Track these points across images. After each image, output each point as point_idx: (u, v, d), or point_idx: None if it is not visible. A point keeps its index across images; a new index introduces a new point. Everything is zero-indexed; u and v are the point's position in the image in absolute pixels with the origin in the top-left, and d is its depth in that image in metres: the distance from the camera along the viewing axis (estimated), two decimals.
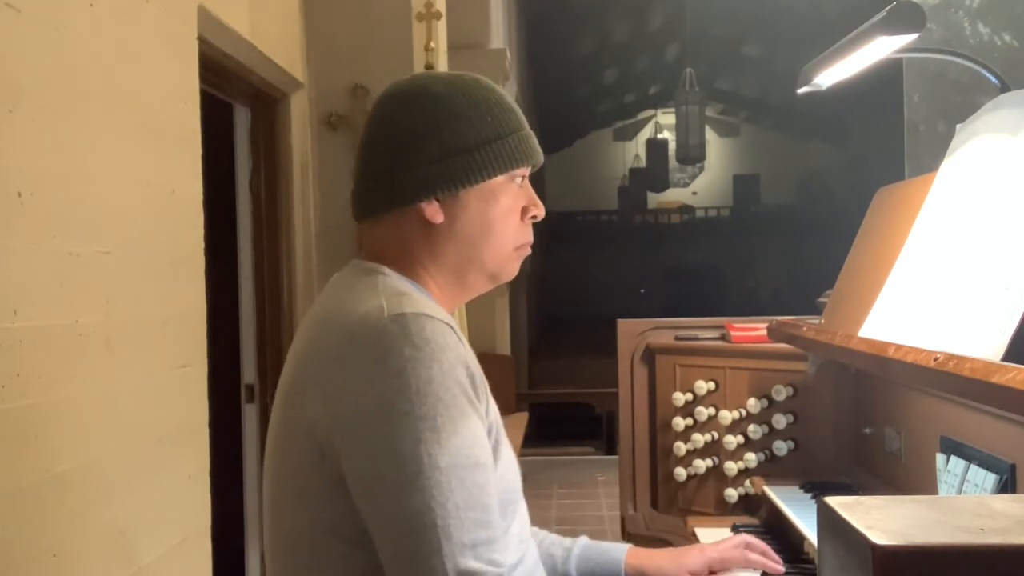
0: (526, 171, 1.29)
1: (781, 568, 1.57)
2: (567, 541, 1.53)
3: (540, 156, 1.30)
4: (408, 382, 1.07)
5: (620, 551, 1.51)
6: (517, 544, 1.24)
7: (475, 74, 1.31)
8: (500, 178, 1.24)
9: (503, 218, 1.26)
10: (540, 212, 1.30)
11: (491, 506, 1.09)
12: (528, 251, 1.32)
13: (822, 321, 1.95)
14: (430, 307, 1.14)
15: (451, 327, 1.13)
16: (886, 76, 2.59)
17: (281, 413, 1.20)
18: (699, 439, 2.32)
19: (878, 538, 0.68)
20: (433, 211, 1.22)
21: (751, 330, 2.32)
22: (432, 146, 1.21)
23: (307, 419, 1.13)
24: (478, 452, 1.09)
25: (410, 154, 1.21)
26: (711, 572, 1.53)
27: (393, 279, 1.21)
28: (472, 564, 1.05)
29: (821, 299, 2.14)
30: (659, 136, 17.82)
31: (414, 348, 1.08)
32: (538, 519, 1.49)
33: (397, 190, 1.22)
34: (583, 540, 1.53)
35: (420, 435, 1.05)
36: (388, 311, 1.11)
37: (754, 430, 2.20)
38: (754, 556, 1.55)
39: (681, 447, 2.35)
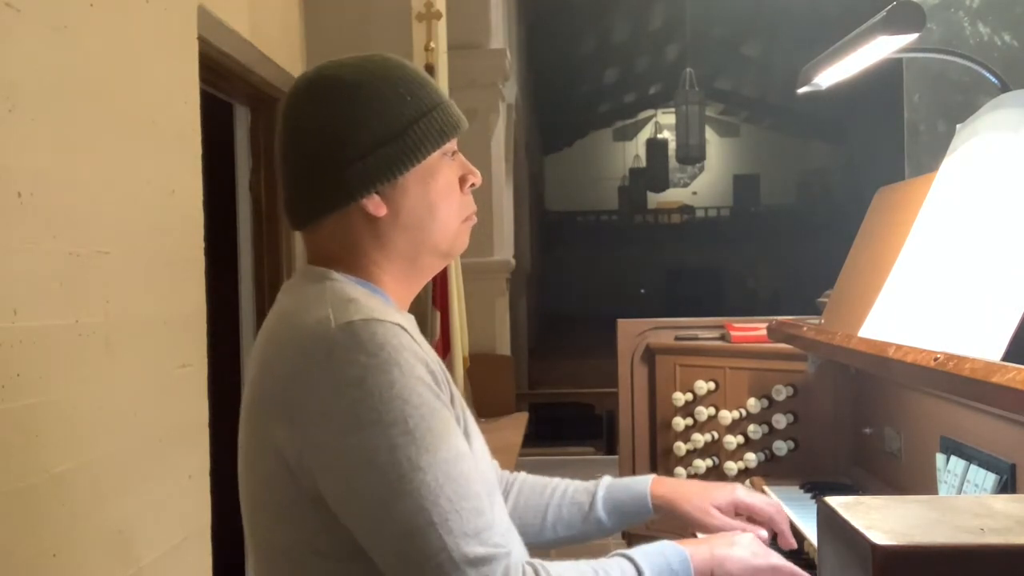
0: (455, 142, 1.25)
1: (794, 543, 1.53)
2: (590, 485, 1.50)
3: (465, 122, 1.27)
4: (370, 391, 1.04)
5: (644, 484, 1.48)
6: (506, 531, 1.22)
7: (380, 52, 1.26)
8: (434, 155, 1.21)
9: (445, 195, 1.23)
10: (477, 179, 1.28)
11: (480, 493, 1.08)
12: (475, 220, 1.29)
13: (822, 321, 1.95)
14: (379, 310, 1.11)
15: (402, 327, 1.10)
16: (886, 76, 2.58)
17: (246, 432, 1.18)
18: (699, 439, 2.31)
19: (878, 538, 0.68)
20: (375, 205, 1.19)
21: (751, 330, 2.31)
22: (360, 139, 1.17)
23: (273, 441, 1.10)
24: (456, 443, 1.08)
25: (340, 152, 1.17)
26: (737, 513, 1.47)
27: (341, 283, 1.18)
28: (479, 550, 1.04)
29: (821, 299, 2.14)
30: (659, 136, 17.85)
31: (369, 355, 1.06)
32: None
33: (334, 192, 1.18)
34: (606, 480, 1.50)
35: (393, 441, 1.03)
36: (336, 321, 1.09)
37: (754, 430, 2.19)
38: (780, 520, 1.47)
39: (681, 447, 2.35)
